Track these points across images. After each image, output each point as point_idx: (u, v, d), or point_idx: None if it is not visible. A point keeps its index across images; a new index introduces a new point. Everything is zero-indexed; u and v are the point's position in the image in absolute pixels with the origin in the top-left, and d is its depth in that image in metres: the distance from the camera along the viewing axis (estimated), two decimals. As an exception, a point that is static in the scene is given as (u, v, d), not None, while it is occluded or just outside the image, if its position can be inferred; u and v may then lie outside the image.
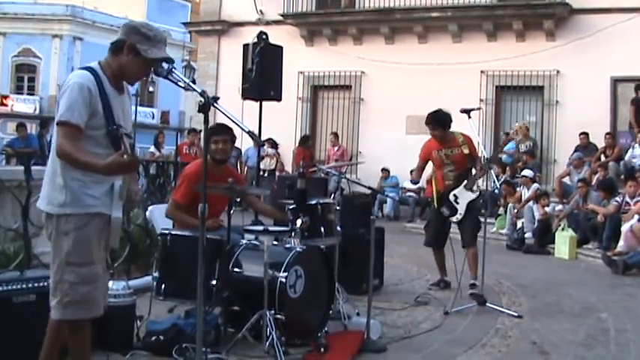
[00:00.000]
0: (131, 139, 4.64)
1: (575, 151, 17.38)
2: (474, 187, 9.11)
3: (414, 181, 9.52)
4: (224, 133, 6.98)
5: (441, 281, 9.47)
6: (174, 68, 4.38)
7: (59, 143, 4.16)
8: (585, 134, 17.61)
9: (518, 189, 16.36)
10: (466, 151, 9.10)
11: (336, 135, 21.18)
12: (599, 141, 17.52)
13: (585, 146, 17.53)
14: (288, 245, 6.51)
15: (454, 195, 9.02)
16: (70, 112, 4.15)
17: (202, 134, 4.51)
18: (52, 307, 4.33)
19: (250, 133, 4.52)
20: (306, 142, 20.77)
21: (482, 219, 9.00)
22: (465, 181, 9.06)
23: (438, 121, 9.10)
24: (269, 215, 7.74)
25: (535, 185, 15.98)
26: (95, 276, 4.29)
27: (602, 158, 16.93)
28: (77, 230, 4.24)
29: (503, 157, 17.91)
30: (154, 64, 4.39)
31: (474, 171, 9.13)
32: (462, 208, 9.05)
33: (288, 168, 21.48)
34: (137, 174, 5.01)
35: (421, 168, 9.47)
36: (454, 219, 9.12)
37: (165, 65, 4.40)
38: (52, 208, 4.29)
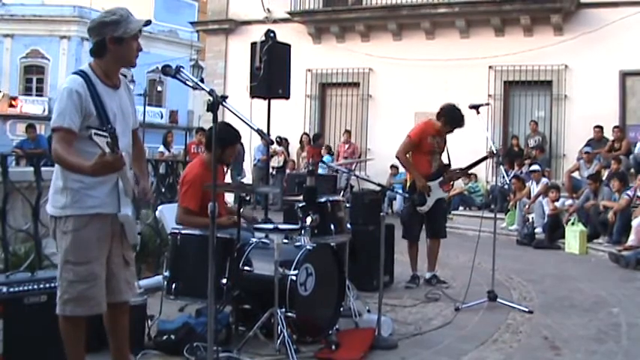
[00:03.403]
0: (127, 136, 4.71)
1: (588, 144, 17.33)
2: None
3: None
4: (237, 140, 7.01)
5: (416, 277, 9.46)
6: (183, 68, 4.40)
7: (53, 148, 4.30)
8: (600, 127, 17.55)
9: (527, 184, 16.33)
10: (445, 144, 9.40)
11: (348, 132, 21.16)
12: (607, 135, 17.47)
13: (599, 140, 17.48)
14: (298, 243, 6.52)
15: (428, 187, 9.08)
16: (61, 118, 4.30)
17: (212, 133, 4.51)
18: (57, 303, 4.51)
19: (259, 132, 4.52)
20: (316, 141, 20.77)
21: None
22: (441, 178, 9.18)
23: (458, 123, 9.27)
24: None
25: (544, 180, 15.96)
26: (92, 275, 4.43)
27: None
28: (75, 231, 4.40)
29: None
30: (136, 39, 4.58)
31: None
32: (430, 201, 9.19)
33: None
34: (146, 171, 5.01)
35: (413, 149, 9.31)
36: (424, 208, 9.16)
37: (173, 65, 4.51)
38: (54, 211, 4.49)
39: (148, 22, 4.65)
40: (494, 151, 8.79)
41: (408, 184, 9.29)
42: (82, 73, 4.45)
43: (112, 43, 4.47)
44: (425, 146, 9.22)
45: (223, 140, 6.72)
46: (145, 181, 4.81)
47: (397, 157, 9.23)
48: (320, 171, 16.22)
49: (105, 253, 4.54)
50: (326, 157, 20.26)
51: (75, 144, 4.32)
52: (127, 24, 4.49)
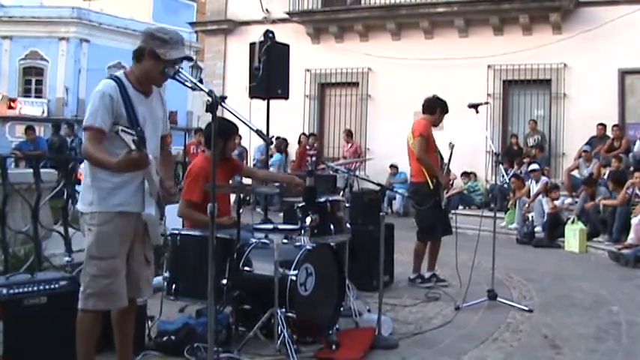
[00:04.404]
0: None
1: (589, 142, 17.34)
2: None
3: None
4: (237, 130, 7.04)
5: (423, 276, 9.47)
6: (182, 68, 4.42)
7: (83, 145, 4.58)
8: (602, 125, 17.56)
9: (527, 183, 16.33)
10: None
11: (349, 132, 21.15)
12: (607, 133, 17.46)
13: (601, 137, 17.49)
14: (298, 243, 6.52)
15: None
16: (92, 118, 4.50)
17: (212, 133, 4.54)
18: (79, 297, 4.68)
19: (258, 132, 4.52)
20: (306, 141, 20.88)
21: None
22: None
23: (448, 109, 9.57)
24: (276, 180, 7.82)
25: (544, 178, 15.96)
26: (115, 270, 4.58)
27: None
28: (99, 226, 4.57)
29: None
30: (174, 65, 4.63)
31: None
32: (444, 197, 9.35)
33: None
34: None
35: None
36: (444, 202, 9.30)
37: (173, 65, 4.62)
38: (82, 207, 4.70)
39: (189, 59, 4.85)
40: (453, 144, 8.96)
41: (431, 184, 9.20)
42: (115, 78, 4.66)
43: (150, 55, 4.64)
44: (431, 143, 9.29)
45: (223, 132, 6.76)
46: (168, 180, 4.92)
47: (419, 159, 9.16)
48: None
49: (126, 251, 4.68)
50: (275, 156, 20.28)
51: (105, 144, 4.49)
52: (170, 48, 4.63)
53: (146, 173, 4.49)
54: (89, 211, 4.61)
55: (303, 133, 21.37)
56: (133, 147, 4.08)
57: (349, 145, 20.79)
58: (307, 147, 20.92)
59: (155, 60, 4.61)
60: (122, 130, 4.18)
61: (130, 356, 5.03)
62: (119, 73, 4.75)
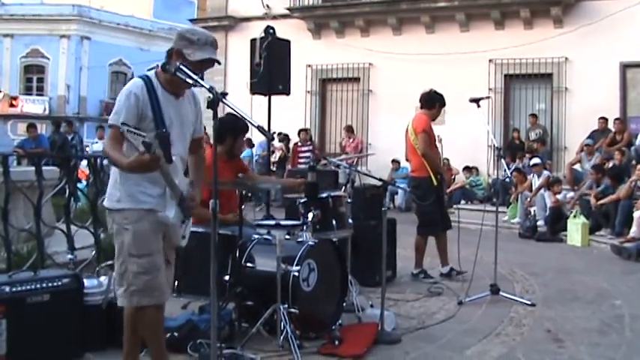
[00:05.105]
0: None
1: (590, 136, 17.33)
2: None
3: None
4: (247, 129, 7.01)
5: (453, 270, 9.45)
6: (183, 65, 4.41)
7: (104, 143, 4.66)
8: (604, 119, 17.54)
9: (529, 177, 16.33)
10: None
11: (350, 127, 21.11)
12: (609, 126, 17.45)
13: (603, 130, 17.47)
14: (300, 239, 6.51)
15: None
16: (116, 117, 4.50)
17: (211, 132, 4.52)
18: (118, 296, 4.73)
19: (260, 128, 4.52)
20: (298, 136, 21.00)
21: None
22: None
23: (445, 102, 9.60)
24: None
25: (546, 173, 15.96)
26: (155, 265, 4.63)
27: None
28: (134, 224, 4.59)
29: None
30: (201, 66, 4.68)
31: None
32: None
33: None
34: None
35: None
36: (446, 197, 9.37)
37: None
38: (109, 204, 4.73)
39: (218, 62, 4.80)
40: (441, 138, 9.16)
41: (434, 180, 9.19)
42: (145, 78, 4.66)
43: (177, 55, 4.64)
44: (432, 138, 9.29)
45: (234, 129, 6.77)
46: (194, 190, 4.91)
47: (425, 155, 9.14)
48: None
49: (161, 246, 4.71)
50: (246, 152, 20.29)
51: (127, 144, 4.46)
52: (196, 49, 4.62)
53: (164, 175, 4.45)
54: (118, 208, 4.63)
55: (302, 129, 21.29)
56: (142, 149, 4.09)
57: (350, 140, 20.75)
58: (299, 143, 20.91)
59: (182, 60, 4.58)
60: (129, 131, 4.18)
61: (137, 355, 5.00)
62: (150, 73, 4.75)
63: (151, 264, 4.58)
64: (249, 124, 4.54)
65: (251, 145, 20.41)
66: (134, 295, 4.61)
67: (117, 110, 4.53)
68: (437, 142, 9.37)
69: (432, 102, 9.43)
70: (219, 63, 4.79)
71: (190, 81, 4.38)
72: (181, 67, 4.41)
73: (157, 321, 4.80)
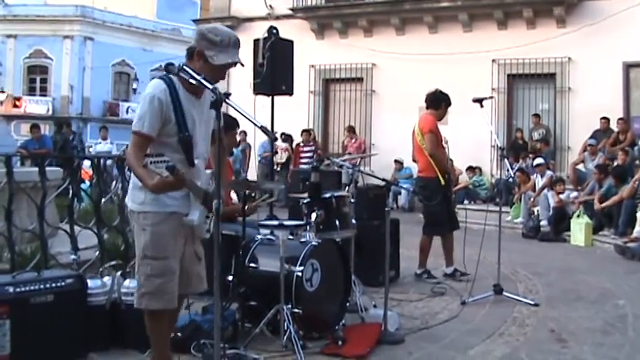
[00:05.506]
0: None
1: (593, 136, 17.33)
2: None
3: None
4: (237, 125, 7.03)
5: (457, 271, 9.44)
6: (185, 66, 4.40)
7: (128, 150, 4.57)
8: (606, 119, 17.53)
9: (532, 177, 16.33)
10: None
11: (351, 128, 21.12)
12: (612, 126, 17.45)
13: (605, 130, 17.47)
14: (303, 239, 6.52)
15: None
16: (140, 123, 4.46)
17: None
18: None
19: (263, 129, 4.53)
20: (286, 141, 21.00)
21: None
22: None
23: (451, 102, 9.60)
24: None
25: (549, 172, 15.95)
26: (169, 269, 4.59)
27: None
28: (153, 226, 4.56)
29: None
30: (223, 70, 4.62)
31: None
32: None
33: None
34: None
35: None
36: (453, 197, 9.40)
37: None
38: (133, 205, 4.68)
39: (241, 64, 4.67)
40: (447, 140, 9.19)
41: (442, 180, 9.20)
42: (166, 79, 4.55)
43: (199, 56, 4.56)
44: (439, 138, 9.31)
45: (235, 124, 6.80)
46: (226, 194, 4.89)
47: (432, 156, 9.15)
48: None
49: (180, 250, 4.68)
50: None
51: (155, 146, 4.50)
52: (219, 51, 4.53)
53: (188, 185, 4.39)
54: (141, 210, 4.59)
55: (305, 130, 21.29)
56: (166, 174, 4.10)
57: (353, 140, 20.74)
58: (301, 144, 20.92)
59: (204, 62, 4.53)
60: (151, 163, 4.24)
61: (168, 352, 5.02)
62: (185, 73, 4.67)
63: (165, 267, 4.56)
64: (253, 124, 4.52)
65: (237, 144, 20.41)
66: (144, 297, 4.60)
67: (140, 116, 4.47)
68: (443, 143, 9.39)
69: (438, 102, 9.45)
70: (242, 65, 4.68)
71: (193, 82, 4.37)
72: (184, 67, 4.40)
73: (164, 326, 4.78)
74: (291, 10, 22.16)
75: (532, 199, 15.69)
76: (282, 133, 20.33)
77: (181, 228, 4.61)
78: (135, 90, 45.38)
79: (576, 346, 6.37)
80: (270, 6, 22.70)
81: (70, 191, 7.48)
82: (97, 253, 7.08)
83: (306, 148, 20.66)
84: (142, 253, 4.59)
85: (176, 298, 4.69)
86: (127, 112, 46.14)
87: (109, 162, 9.89)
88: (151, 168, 4.20)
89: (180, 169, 4.18)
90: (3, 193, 6.61)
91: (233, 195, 7.33)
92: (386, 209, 6.85)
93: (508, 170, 10.04)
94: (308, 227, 6.66)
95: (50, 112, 43.84)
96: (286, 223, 6.81)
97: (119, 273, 6.21)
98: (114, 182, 9.35)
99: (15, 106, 44.81)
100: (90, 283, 5.85)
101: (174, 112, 4.49)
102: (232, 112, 4.64)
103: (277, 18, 21.61)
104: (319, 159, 10.02)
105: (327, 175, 9.83)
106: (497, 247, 8.32)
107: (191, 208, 4.53)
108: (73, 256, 6.73)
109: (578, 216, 13.88)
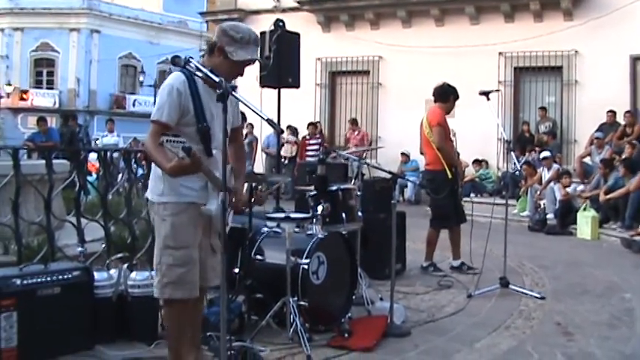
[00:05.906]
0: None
1: (599, 129, 17.28)
2: None
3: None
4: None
5: (464, 264, 9.44)
6: (192, 59, 4.41)
7: (146, 139, 4.58)
8: (613, 112, 17.47)
9: (538, 170, 16.31)
10: None
11: (354, 120, 21.11)
12: (619, 120, 17.40)
13: (612, 124, 17.42)
14: (309, 232, 6.52)
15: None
16: (159, 112, 4.53)
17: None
18: (154, 287, 4.77)
19: (269, 121, 4.52)
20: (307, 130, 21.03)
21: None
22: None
23: (459, 95, 9.59)
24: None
25: (556, 166, 15.94)
26: (190, 259, 4.63)
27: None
28: (173, 216, 4.62)
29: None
30: (242, 66, 4.70)
31: None
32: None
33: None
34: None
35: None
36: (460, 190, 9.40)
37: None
38: (152, 196, 4.75)
39: (259, 61, 4.81)
40: (454, 132, 9.20)
41: (450, 173, 9.19)
42: (186, 71, 4.60)
43: (219, 51, 4.64)
44: (447, 131, 9.31)
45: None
46: (237, 183, 4.95)
47: (440, 149, 9.15)
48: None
49: (199, 240, 4.71)
50: None
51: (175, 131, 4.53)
52: (239, 48, 4.62)
53: (205, 171, 4.40)
54: (161, 201, 4.65)
55: (311, 123, 21.29)
56: (181, 155, 4.10)
57: (355, 132, 20.71)
58: (307, 137, 20.93)
59: (224, 57, 4.61)
60: (167, 141, 4.27)
61: (199, 344, 5.05)
62: (191, 66, 4.70)
63: (186, 257, 4.60)
64: (259, 117, 4.52)
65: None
66: (166, 287, 4.63)
67: (160, 106, 4.54)
68: (451, 136, 9.39)
69: (446, 95, 9.44)
70: (260, 62, 4.81)
71: (199, 74, 4.38)
72: (190, 60, 4.41)
73: (185, 317, 4.77)
74: (298, 2, 22.12)
75: (538, 193, 15.68)
76: (288, 126, 20.33)
77: (200, 218, 4.64)
78: (142, 83, 45.38)
79: (582, 340, 6.37)
80: (277, -1, 22.70)
81: (77, 184, 7.49)
82: (104, 245, 7.09)
83: (312, 141, 20.64)
84: (163, 243, 4.62)
85: (197, 287, 4.70)
86: (134, 104, 46.27)
87: (115, 155, 9.89)
88: (167, 147, 4.24)
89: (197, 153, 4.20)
90: (10, 185, 6.63)
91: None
92: (392, 202, 6.85)
93: (514, 163, 10.02)
94: (314, 220, 6.65)
95: (57, 105, 43.91)
96: (293, 215, 6.82)
97: (126, 265, 6.22)
98: (120, 175, 9.37)
99: (22, 99, 44.90)
100: (96, 275, 5.86)
101: (193, 104, 4.55)
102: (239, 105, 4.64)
103: (284, 11, 21.56)
104: (326, 151, 10.02)
105: (334, 168, 9.83)
106: (503, 240, 8.32)
107: (209, 198, 4.55)
108: (79, 249, 6.73)
109: (585, 209, 13.86)
